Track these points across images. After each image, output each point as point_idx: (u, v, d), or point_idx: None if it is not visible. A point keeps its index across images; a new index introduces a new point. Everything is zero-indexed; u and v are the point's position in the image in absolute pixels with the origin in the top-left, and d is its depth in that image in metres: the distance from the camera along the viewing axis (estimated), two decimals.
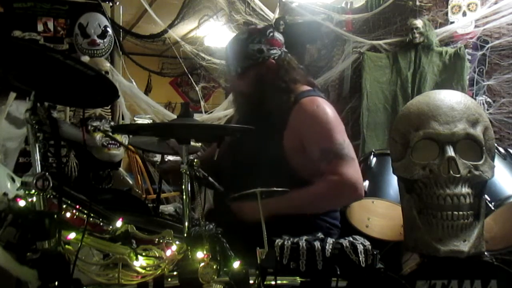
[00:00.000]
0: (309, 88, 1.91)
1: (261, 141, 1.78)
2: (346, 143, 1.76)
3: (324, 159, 1.73)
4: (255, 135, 1.53)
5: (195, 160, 1.36)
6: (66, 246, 1.18)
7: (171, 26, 4.08)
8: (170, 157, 4.42)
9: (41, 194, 1.16)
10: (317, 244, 1.24)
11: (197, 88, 4.46)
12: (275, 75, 1.86)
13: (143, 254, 1.27)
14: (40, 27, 3.71)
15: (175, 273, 1.25)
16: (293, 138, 1.78)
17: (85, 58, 3.58)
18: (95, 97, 1.38)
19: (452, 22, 3.75)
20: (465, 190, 1.52)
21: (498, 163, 1.87)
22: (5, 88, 1.75)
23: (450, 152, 1.53)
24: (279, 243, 1.25)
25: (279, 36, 1.93)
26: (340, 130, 1.78)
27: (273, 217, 1.48)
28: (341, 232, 1.86)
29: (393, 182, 2.01)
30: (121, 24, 4.07)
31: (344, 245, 1.25)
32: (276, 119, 1.81)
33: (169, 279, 1.25)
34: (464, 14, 3.68)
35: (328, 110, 1.81)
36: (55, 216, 1.15)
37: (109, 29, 3.77)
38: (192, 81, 4.55)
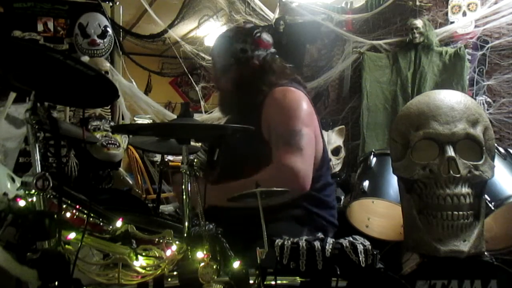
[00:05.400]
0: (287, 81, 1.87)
1: (245, 136, 1.77)
2: (302, 133, 1.69)
3: (276, 145, 1.70)
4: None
5: (195, 160, 1.36)
6: (66, 246, 1.18)
7: (171, 26, 4.08)
8: (170, 157, 4.43)
9: (41, 194, 1.16)
10: (317, 244, 1.24)
11: (197, 88, 4.46)
12: (256, 77, 1.84)
13: (143, 254, 1.27)
14: (40, 27, 3.70)
15: (175, 273, 1.24)
16: (267, 127, 1.77)
17: (85, 58, 3.58)
18: (95, 97, 1.38)
19: (452, 22, 3.75)
20: (465, 190, 1.52)
21: (498, 163, 1.87)
22: (5, 88, 1.75)
23: (450, 152, 1.53)
24: (279, 243, 1.25)
25: (267, 37, 1.90)
26: (300, 119, 1.72)
27: (271, 213, 1.46)
28: (341, 232, 1.85)
29: (393, 182, 2.01)
30: (121, 24, 4.07)
31: (344, 245, 1.24)
32: (254, 114, 1.79)
33: (169, 279, 1.25)
34: (464, 14, 3.68)
35: (296, 99, 1.77)
36: (55, 216, 1.15)
37: (109, 29, 3.77)
38: (192, 81, 4.55)
